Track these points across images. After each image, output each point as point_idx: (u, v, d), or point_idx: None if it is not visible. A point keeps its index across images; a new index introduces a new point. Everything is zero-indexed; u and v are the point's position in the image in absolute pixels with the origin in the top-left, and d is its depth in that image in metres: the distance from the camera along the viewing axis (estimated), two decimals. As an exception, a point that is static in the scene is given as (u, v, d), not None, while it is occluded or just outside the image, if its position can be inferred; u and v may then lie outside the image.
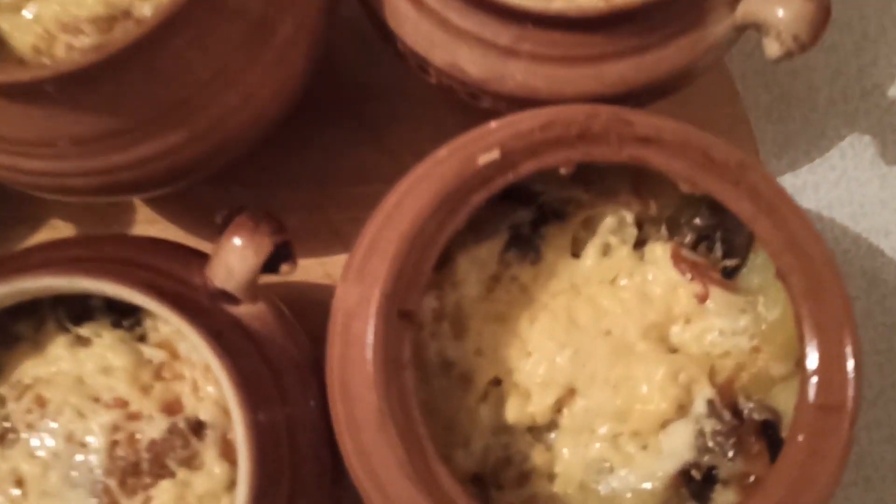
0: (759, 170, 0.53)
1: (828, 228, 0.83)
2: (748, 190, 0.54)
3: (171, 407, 0.63)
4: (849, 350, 0.52)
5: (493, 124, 0.60)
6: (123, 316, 0.61)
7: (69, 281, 0.59)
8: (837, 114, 0.85)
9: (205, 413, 0.63)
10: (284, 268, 0.64)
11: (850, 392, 0.52)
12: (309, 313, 0.69)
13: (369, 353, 0.54)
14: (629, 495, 0.60)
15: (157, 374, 0.61)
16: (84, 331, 0.61)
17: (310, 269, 0.82)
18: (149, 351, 0.62)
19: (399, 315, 0.56)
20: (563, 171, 0.55)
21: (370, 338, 0.54)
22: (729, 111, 0.85)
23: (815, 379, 0.53)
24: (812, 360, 0.54)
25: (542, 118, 0.56)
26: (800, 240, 0.54)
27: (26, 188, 0.64)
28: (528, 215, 0.63)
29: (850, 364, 0.52)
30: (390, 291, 0.55)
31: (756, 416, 0.59)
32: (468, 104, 0.72)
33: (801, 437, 0.52)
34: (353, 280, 0.57)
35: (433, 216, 0.53)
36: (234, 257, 0.63)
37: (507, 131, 0.56)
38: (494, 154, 0.56)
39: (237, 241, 0.63)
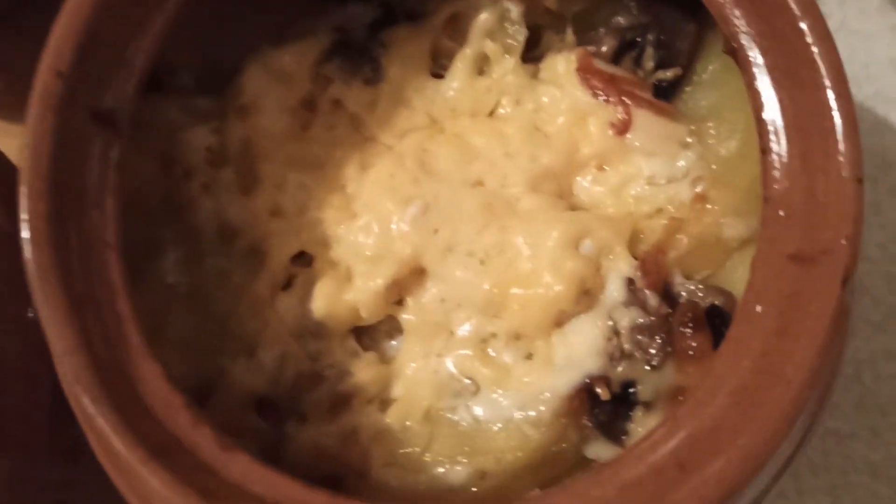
0: None
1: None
2: None
3: None
4: (843, 156, 0.33)
5: None
6: None
7: None
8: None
9: None
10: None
11: (846, 228, 0.32)
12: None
13: (26, 174, 0.32)
14: (498, 428, 0.43)
15: None
16: None
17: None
18: None
19: (92, 117, 0.33)
20: None
21: (30, 144, 0.32)
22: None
23: (783, 211, 0.34)
24: (780, 180, 0.35)
25: None
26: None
27: None
28: (366, 13, 0.48)
29: (851, 187, 0.32)
30: (66, 69, 0.33)
31: (699, 301, 0.42)
32: None
33: (759, 308, 0.33)
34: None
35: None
36: None
37: None
38: None
39: None
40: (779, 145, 0.34)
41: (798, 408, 0.30)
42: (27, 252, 0.33)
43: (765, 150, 0.35)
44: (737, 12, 0.35)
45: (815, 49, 0.33)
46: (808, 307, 0.32)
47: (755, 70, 0.35)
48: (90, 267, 0.35)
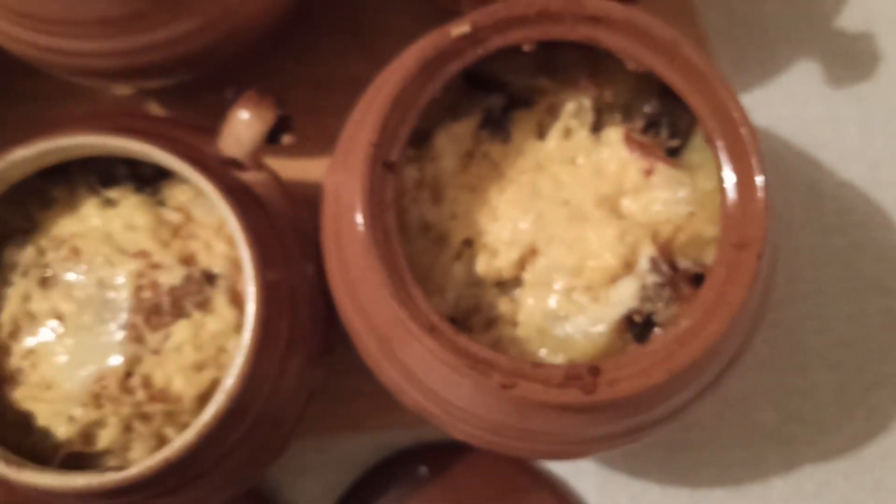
0: (691, 46, 0.58)
1: (774, 142, 0.85)
2: (682, 64, 0.59)
3: (188, 260, 0.65)
4: (760, 195, 0.58)
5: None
6: (145, 184, 0.67)
7: (101, 140, 0.67)
8: (787, 39, 0.88)
9: (217, 266, 0.64)
10: (286, 138, 0.70)
11: (758, 231, 0.57)
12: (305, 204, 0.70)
13: (359, 195, 0.61)
14: (580, 337, 0.63)
15: (175, 233, 0.65)
16: (112, 194, 0.66)
17: (308, 167, 0.87)
18: (167, 213, 0.66)
19: (384, 166, 0.60)
20: (525, 47, 0.60)
21: (360, 182, 0.61)
22: (689, 32, 0.91)
23: (730, 222, 0.58)
24: (729, 208, 0.59)
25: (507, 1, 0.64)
26: (723, 107, 0.59)
27: (51, 68, 0.67)
28: (500, 101, 0.66)
29: (760, 205, 0.57)
30: (377, 142, 0.61)
31: (690, 269, 0.63)
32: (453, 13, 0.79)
33: (719, 270, 0.58)
34: (340, 162, 0.63)
35: (414, 80, 0.59)
36: (242, 127, 0.70)
37: (477, 12, 0.65)
38: (466, 27, 0.59)
39: (244, 113, 0.70)
40: (730, 195, 0.64)
41: (736, 314, 0.62)
42: (366, 240, 0.63)
43: (722, 190, 0.64)
44: (711, 122, 0.60)
45: (748, 141, 0.63)
46: (742, 269, 0.62)
47: (720, 154, 0.60)
48: (387, 240, 0.61)
